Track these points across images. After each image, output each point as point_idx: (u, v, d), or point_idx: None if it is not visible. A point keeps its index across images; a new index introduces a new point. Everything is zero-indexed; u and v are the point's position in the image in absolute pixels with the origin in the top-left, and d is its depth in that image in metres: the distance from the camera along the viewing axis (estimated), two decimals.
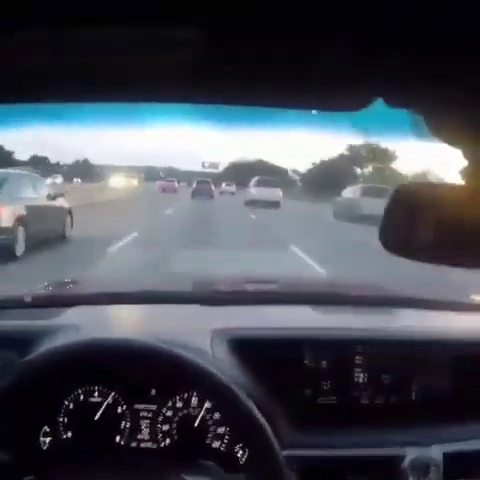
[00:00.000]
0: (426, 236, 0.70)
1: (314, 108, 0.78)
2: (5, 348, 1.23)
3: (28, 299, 1.48)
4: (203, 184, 30.79)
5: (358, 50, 0.60)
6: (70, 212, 10.62)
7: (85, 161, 44.95)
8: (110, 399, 1.20)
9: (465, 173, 0.70)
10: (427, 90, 0.66)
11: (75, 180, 36.37)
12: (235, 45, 0.61)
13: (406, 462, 1.17)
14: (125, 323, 1.45)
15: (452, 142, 0.71)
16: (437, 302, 1.69)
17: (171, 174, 45.39)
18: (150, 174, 48.63)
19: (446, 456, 1.18)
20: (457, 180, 0.72)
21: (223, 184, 40.47)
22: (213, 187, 31.47)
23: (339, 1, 0.53)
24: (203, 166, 42.15)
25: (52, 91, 0.72)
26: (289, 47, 0.61)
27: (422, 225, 0.71)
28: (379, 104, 0.70)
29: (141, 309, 1.54)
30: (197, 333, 1.30)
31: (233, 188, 39.25)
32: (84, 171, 40.46)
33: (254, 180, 24.62)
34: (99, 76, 0.68)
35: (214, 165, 43.62)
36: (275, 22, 0.56)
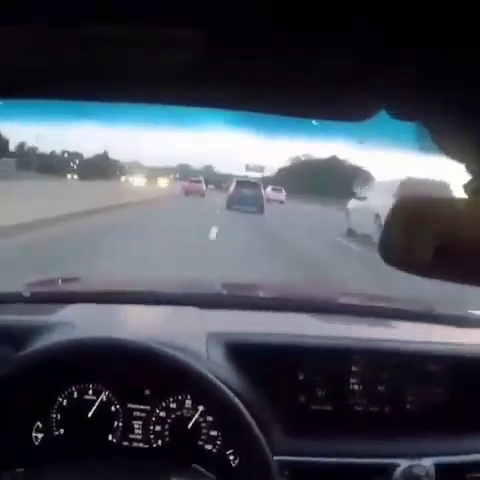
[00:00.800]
0: (426, 250, 0.69)
1: (317, 117, 0.77)
2: (2, 343, 1.23)
3: (27, 295, 1.49)
4: (247, 187, 19.72)
5: (360, 59, 0.59)
6: None
7: (98, 156, 40.29)
8: (104, 397, 1.19)
9: (466, 186, 0.69)
10: (429, 101, 0.65)
11: (69, 176, 30.74)
12: (235, 48, 0.60)
13: (398, 473, 1.16)
14: (122, 323, 1.45)
15: (454, 154, 0.70)
16: (433, 315, 1.68)
17: (205, 175, 43.41)
18: (186, 174, 46.80)
19: (438, 468, 1.18)
20: (458, 193, 0.70)
21: (268, 188, 28.89)
22: (263, 193, 21.10)
23: (340, 7, 0.52)
24: (247, 168, 39.05)
25: (51, 91, 0.72)
26: (290, 53, 0.60)
27: (422, 239, 0.70)
28: (382, 115, 0.68)
29: (139, 309, 1.54)
30: (193, 335, 1.30)
31: (282, 195, 30.09)
32: (94, 167, 35.99)
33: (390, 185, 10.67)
34: (98, 76, 0.68)
35: (260, 168, 40.47)
36: (276, 27, 0.55)
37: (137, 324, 1.42)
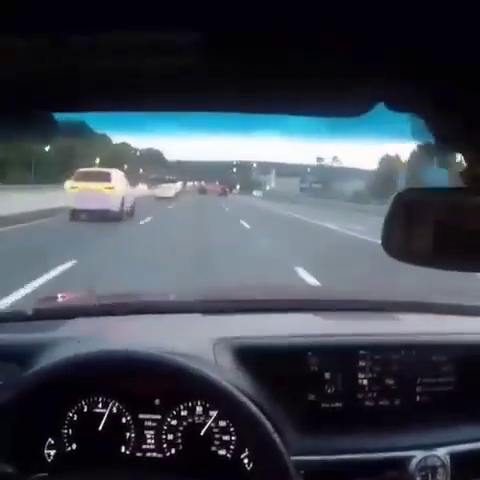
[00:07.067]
0: (427, 241, 0.70)
1: (316, 114, 0.77)
2: (7, 361, 1.23)
3: (29, 312, 1.48)
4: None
5: (358, 54, 0.60)
6: None
7: None
8: (114, 409, 1.19)
9: (465, 177, 0.70)
10: (428, 93, 0.66)
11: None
12: (235, 50, 0.60)
13: (413, 465, 1.17)
14: (126, 334, 1.43)
15: (453, 145, 0.71)
16: (439, 306, 1.68)
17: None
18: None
19: (453, 458, 1.18)
20: (458, 184, 0.72)
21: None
22: None
23: (338, 5, 0.53)
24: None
25: (53, 100, 0.72)
26: (289, 52, 0.61)
27: (423, 230, 0.71)
28: (381, 108, 0.70)
29: (142, 319, 1.54)
30: (199, 342, 1.30)
31: None
32: None
33: None
34: (101, 84, 0.69)
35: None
36: (275, 27, 0.56)
37: (141, 334, 1.41)
